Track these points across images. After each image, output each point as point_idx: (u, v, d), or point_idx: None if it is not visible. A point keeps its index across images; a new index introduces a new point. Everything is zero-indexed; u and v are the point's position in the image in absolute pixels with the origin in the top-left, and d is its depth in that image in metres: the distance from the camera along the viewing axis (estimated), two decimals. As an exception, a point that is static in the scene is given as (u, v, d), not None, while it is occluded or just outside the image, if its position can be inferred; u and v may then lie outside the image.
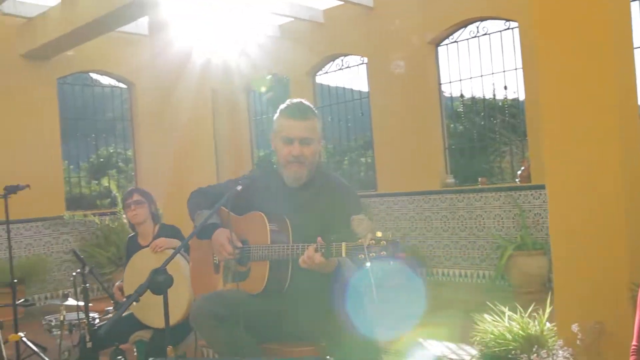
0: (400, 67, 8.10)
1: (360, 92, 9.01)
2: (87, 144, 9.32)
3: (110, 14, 6.49)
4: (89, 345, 3.36)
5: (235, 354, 2.40)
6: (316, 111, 2.71)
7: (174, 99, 6.26)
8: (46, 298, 7.63)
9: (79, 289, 3.30)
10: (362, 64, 8.74)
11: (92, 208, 9.09)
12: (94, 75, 9.20)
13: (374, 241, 2.15)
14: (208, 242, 2.70)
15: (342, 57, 9.02)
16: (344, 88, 9.32)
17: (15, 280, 5.09)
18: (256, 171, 2.56)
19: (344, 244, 2.22)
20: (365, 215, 2.21)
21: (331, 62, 9.18)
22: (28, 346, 4.89)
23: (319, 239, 2.30)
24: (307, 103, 2.71)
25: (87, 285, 3.29)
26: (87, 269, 3.46)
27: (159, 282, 2.02)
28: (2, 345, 3.68)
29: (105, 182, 9.59)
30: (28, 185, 5.18)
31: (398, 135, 8.11)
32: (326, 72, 9.32)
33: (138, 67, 8.47)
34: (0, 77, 7.83)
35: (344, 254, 2.22)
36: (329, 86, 9.47)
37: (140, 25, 8.05)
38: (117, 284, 4.11)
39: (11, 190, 4.97)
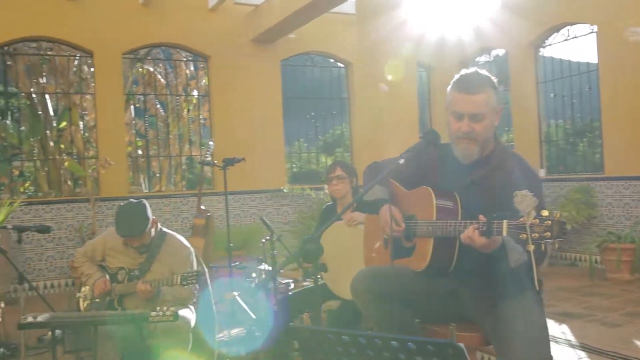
0: (637, 34, 7.14)
1: (588, 64, 8.16)
2: (307, 122, 9.85)
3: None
4: (274, 308, 3.55)
5: (391, 329, 2.35)
6: (493, 80, 2.45)
7: (384, 76, 6.30)
8: (265, 263, 8.28)
9: (267, 256, 3.50)
10: (591, 32, 7.89)
11: (319, 183, 9.63)
12: (315, 56, 9.64)
13: (537, 220, 1.92)
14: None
15: (567, 27, 8.24)
16: (569, 61, 8.52)
17: (232, 245, 5.60)
18: (422, 144, 2.43)
19: (505, 221, 2.03)
20: (534, 194, 1.96)
21: (555, 33, 8.44)
22: (240, 304, 5.38)
23: (481, 216, 2.14)
24: (482, 73, 2.46)
25: (275, 252, 3.48)
26: (274, 236, 3.65)
27: (308, 251, 2.04)
28: (213, 303, 4.06)
29: (330, 158, 10.11)
30: (243, 159, 5.61)
31: (632, 111, 7.18)
32: (550, 44, 8.60)
33: (354, 46, 8.67)
34: (232, 60, 8.66)
35: (504, 233, 2.04)
36: (552, 59, 8.73)
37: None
38: None
39: (228, 162, 5.42)
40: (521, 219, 1.96)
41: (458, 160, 2.48)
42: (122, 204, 3.87)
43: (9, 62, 9.50)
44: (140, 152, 11.38)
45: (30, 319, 3.20)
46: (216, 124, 8.71)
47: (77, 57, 9.27)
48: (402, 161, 2.31)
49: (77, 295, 4.00)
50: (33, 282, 7.26)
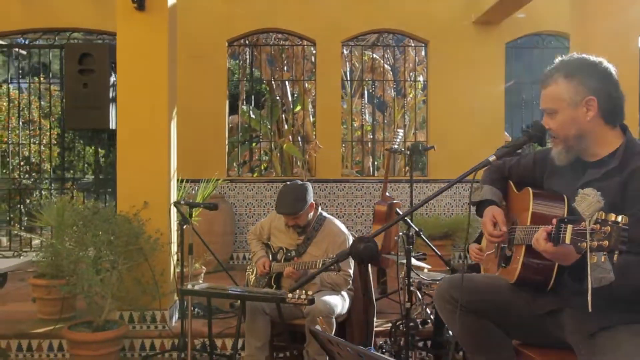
0: None
1: None
2: (535, 108, 9.13)
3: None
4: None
5: (479, 345, 2.08)
6: (575, 66, 2.05)
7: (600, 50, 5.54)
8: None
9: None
10: None
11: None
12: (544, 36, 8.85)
13: (598, 225, 1.55)
14: None
15: None
16: None
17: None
18: (523, 139, 2.08)
19: (569, 226, 1.67)
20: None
21: None
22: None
23: (554, 220, 1.78)
24: (565, 59, 2.12)
25: (411, 247, 3.32)
26: (412, 231, 3.49)
27: (359, 250, 1.91)
28: (372, 291, 4.08)
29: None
30: (433, 147, 5.50)
31: None
32: None
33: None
34: (452, 45, 8.37)
35: (567, 241, 1.67)
36: None
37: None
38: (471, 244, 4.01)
39: (415, 150, 5.35)
40: (582, 224, 1.61)
41: (576, 161, 2.11)
42: (288, 183, 4.06)
43: (255, 53, 10.53)
44: (371, 136, 11.74)
45: (189, 287, 3.57)
46: (432, 109, 8.54)
47: (311, 47, 9.89)
48: (492, 158, 2.03)
49: (247, 271, 4.34)
50: (247, 253, 8.02)
